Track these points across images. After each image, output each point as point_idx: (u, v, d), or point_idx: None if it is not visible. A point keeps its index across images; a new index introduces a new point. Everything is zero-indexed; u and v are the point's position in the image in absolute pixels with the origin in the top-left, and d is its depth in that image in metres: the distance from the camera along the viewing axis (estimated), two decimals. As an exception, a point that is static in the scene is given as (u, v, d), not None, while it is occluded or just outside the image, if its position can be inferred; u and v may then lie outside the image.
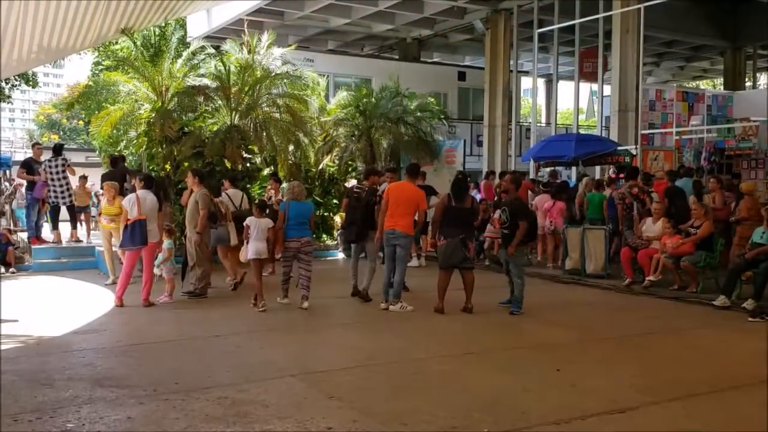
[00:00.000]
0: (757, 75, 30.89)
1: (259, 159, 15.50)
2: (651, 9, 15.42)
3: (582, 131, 20.52)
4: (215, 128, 14.56)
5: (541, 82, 28.51)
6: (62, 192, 13.59)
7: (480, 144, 22.99)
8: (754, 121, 13.23)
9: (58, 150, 13.94)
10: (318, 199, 16.28)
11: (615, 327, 8.34)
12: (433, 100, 19.08)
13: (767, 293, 9.11)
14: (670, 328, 8.28)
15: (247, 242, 9.06)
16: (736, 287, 9.32)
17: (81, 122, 39.11)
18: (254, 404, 5.00)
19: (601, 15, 17.32)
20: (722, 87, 27.79)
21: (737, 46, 25.42)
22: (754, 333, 7.86)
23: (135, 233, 8.94)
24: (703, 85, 36.17)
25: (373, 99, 17.34)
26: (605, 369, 6.31)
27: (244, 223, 9.24)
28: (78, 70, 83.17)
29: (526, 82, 28.09)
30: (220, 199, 10.64)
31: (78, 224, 14.97)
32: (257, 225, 9.06)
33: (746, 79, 27.11)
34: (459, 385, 5.64)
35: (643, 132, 14.55)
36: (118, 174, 12.61)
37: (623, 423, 4.81)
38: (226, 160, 14.17)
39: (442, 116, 19.01)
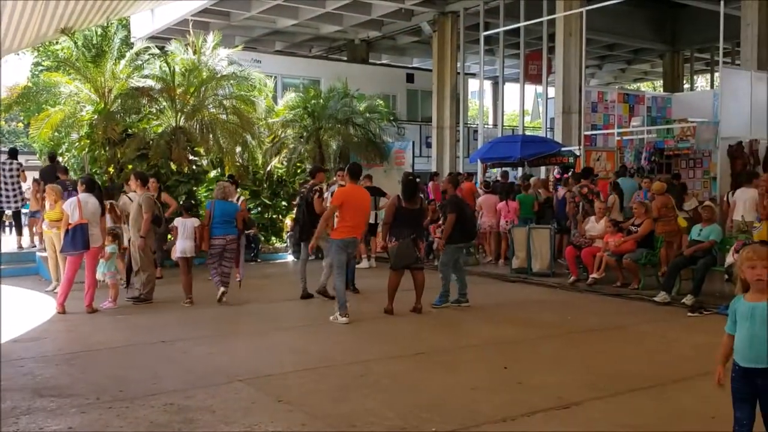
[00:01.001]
0: (695, 77, 31.92)
1: (206, 161, 15.30)
2: (593, 13, 15.79)
3: (528, 133, 20.88)
4: (160, 130, 14.31)
5: (487, 84, 28.95)
6: (14, 196, 13.27)
7: (429, 145, 23.18)
8: (692, 122, 13.67)
9: (13, 154, 13.72)
10: (266, 201, 16.16)
11: (561, 324, 8.49)
12: (381, 101, 19.14)
13: (705, 289, 9.45)
14: (613, 324, 8.48)
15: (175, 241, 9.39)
16: (675, 283, 9.61)
17: (20, 124, 37.92)
18: (201, 410, 4.93)
19: (544, 18, 17.67)
20: (662, 89, 28.64)
21: (676, 50, 26.26)
22: (694, 327, 8.12)
23: (76, 238, 8.70)
24: (644, 87, 37.18)
25: (322, 100, 17.30)
26: (551, 366, 6.43)
27: (173, 224, 9.46)
28: (16, 70, 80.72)
29: (473, 84, 28.40)
30: (113, 201, 10.39)
31: (22, 230, 14.51)
32: (184, 224, 9.45)
33: (684, 81, 28.02)
34: (408, 386, 5.66)
35: (586, 133, 14.88)
36: (51, 171, 12.54)
37: (568, 419, 4.90)
38: (171, 163, 13.94)
39: (391, 118, 19.08)
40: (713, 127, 12.62)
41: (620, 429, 4.66)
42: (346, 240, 8.43)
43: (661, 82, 29.92)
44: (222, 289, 9.35)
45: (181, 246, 9.39)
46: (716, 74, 21.52)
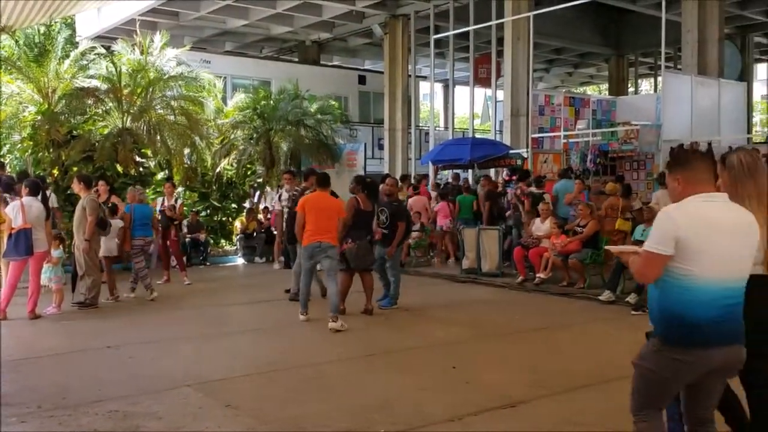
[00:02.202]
0: (639, 81, 32.77)
1: (153, 163, 15.06)
2: (540, 18, 16.09)
3: (478, 135, 21.13)
4: (106, 131, 14.03)
5: (438, 87, 29.16)
6: None
7: (381, 147, 23.23)
8: (635, 125, 14.05)
9: None
10: (215, 203, 15.98)
11: (509, 323, 8.63)
12: (334, 103, 19.12)
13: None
14: (559, 323, 8.65)
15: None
16: (620, 282, 9.86)
17: (-42, 124, 36.81)
18: (146, 417, 4.86)
19: (493, 22, 17.90)
20: (607, 92, 29.34)
21: (620, 54, 26.90)
22: (637, 325, 8.28)
23: (20, 243, 8.46)
24: (590, 90, 37.99)
25: (272, 101, 17.20)
26: (499, 365, 6.53)
27: None
28: (-46, 68, 77.82)
29: (425, 87, 28.60)
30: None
31: None
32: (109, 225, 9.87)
33: (629, 85, 28.72)
34: (357, 388, 5.68)
35: (534, 136, 15.16)
36: None
37: (515, 417, 4.99)
38: (118, 165, 13.67)
39: (343, 119, 19.08)
40: (656, 130, 12.99)
41: (566, 426, 4.76)
42: (308, 246, 8.35)
43: (607, 85, 30.64)
44: (154, 295, 9.91)
45: (105, 246, 9.92)
46: (659, 78, 22.11)
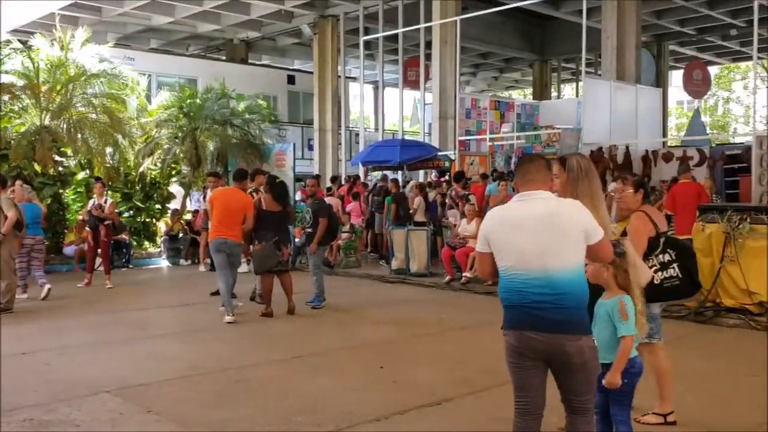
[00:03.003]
0: (562, 86, 33.75)
1: (74, 162, 14.55)
2: (467, 22, 16.39)
3: (407, 137, 21.30)
4: (23, 129, 13.45)
5: (368, 89, 29.24)
6: None
7: (311, 148, 23.13)
8: (557, 128, 14.48)
9: None
10: (139, 203, 15.55)
11: (436, 323, 8.74)
12: (262, 102, 18.90)
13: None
14: (484, 321, 8.78)
15: None
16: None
17: None
18: (64, 424, 4.70)
19: (422, 25, 18.10)
20: (531, 97, 30.10)
21: (544, 59, 27.68)
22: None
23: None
24: (515, 94, 38.90)
25: (198, 100, 16.85)
26: (426, 364, 6.60)
27: None
28: None
29: (354, 88, 28.67)
30: None
31: None
32: None
33: (552, 90, 29.56)
34: (284, 390, 5.64)
35: (461, 138, 15.42)
36: None
37: (440, 414, 5.07)
38: (35, 164, 13.14)
39: (272, 119, 18.87)
40: (576, 134, 13.43)
41: (489, 422, 4.84)
42: (213, 241, 8.56)
43: (531, 90, 31.44)
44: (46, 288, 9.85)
45: None
46: (581, 83, 22.86)
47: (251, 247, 8.84)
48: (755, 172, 11.12)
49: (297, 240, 12.33)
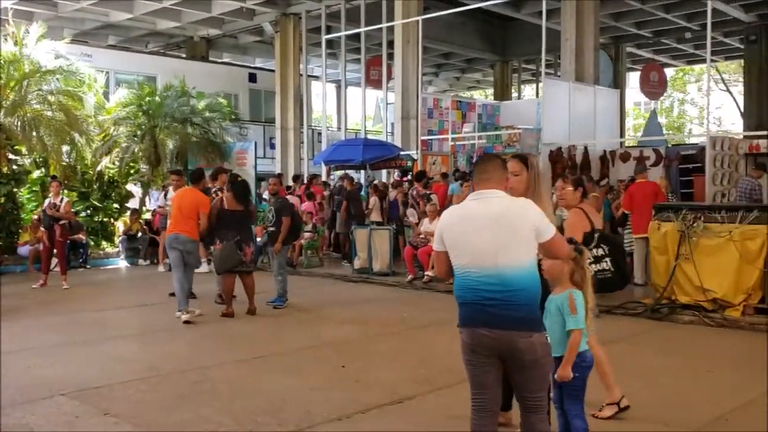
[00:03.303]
0: (523, 87, 34.14)
1: (29, 160, 14.22)
2: (429, 22, 16.48)
3: (370, 136, 21.33)
4: (-26, 126, 13.10)
5: (331, 87, 29.17)
6: None
7: (273, 147, 22.99)
8: (518, 128, 14.65)
9: None
10: (96, 203, 15.27)
11: (398, 321, 8.75)
12: (223, 100, 18.72)
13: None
14: (446, 319, 8.77)
15: None
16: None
17: None
18: (17, 428, 4.59)
19: (384, 25, 18.13)
20: (492, 97, 30.37)
21: (505, 60, 27.97)
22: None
23: None
24: (477, 95, 39.21)
25: (158, 98, 16.61)
26: (388, 362, 6.62)
27: None
28: None
29: (317, 87, 28.57)
30: None
31: None
32: None
33: (513, 90, 29.88)
34: (245, 391, 5.60)
35: (423, 138, 15.49)
36: None
37: (401, 412, 5.09)
38: (-13, 162, 12.82)
39: (233, 118, 18.70)
40: (536, 134, 13.59)
41: (449, 420, 4.88)
42: (167, 237, 8.76)
43: (492, 90, 31.73)
44: None
45: None
46: (540, 84, 23.17)
47: (212, 247, 8.77)
48: (709, 172, 11.40)
49: (258, 239, 12.24)
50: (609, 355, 6.81)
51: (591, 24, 15.90)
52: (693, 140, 21.60)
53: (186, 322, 8.21)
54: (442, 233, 3.45)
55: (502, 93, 28.00)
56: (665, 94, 32.05)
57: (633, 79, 30.79)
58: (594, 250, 4.88)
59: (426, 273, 11.14)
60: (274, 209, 9.38)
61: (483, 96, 38.22)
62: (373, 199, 13.45)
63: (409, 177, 15.63)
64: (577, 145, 13.93)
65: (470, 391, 3.45)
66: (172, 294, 9.25)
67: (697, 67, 36.53)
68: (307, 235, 13.37)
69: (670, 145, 16.33)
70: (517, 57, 28.12)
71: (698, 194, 12.45)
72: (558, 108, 13.96)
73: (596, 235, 4.92)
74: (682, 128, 41.50)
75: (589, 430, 3.97)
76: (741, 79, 29.39)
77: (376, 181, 15.23)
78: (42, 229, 11.34)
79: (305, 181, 17.00)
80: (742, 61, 26.18)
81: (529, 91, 36.69)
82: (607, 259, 4.92)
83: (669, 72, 32.46)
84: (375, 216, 13.29)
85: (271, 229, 9.33)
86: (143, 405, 5.20)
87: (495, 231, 3.28)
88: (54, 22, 19.94)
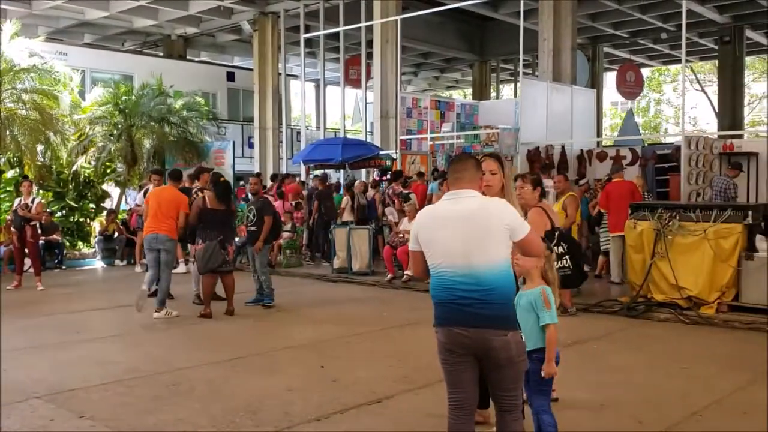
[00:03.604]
0: (501, 86, 34.28)
1: (2, 160, 14.02)
2: (408, 22, 16.48)
3: (350, 136, 21.30)
4: (-55, 125, 12.89)
5: (310, 87, 29.10)
6: None
7: (251, 146, 22.89)
8: (496, 128, 14.69)
9: None
10: (72, 203, 15.09)
11: (377, 321, 8.76)
12: (201, 99, 18.59)
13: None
14: (425, 318, 8.73)
15: None
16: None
17: None
18: (-10, 433, 4.52)
19: (362, 24, 18.12)
20: (471, 97, 30.46)
21: (484, 60, 28.05)
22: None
23: None
24: (456, 94, 39.32)
25: (134, 97, 16.46)
26: (367, 362, 6.62)
27: None
28: None
29: (296, 86, 28.48)
30: None
31: None
32: None
33: (491, 90, 29.99)
34: (223, 392, 5.57)
35: (402, 137, 15.50)
36: None
37: (380, 412, 5.09)
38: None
39: (211, 117, 18.58)
40: (514, 133, 13.63)
41: (428, 419, 4.89)
42: (145, 237, 8.87)
43: (471, 90, 31.83)
44: None
45: None
46: (518, 84, 23.30)
47: (194, 247, 8.73)
48: (684, 171, 11.53)
49: (237, 239, 12.18)
50: (586, 353, 6.93)
51: (568, 24, 15.99)
52: (669, 140, 21.83)
53: (158, 318, 8.45)
54: (417, 233, 3.48)
55: (481, 93, 28.10)
56: (641, 94, 32.37)
57: (610, 79, 31.05)
58: (555, 248, 5.04)
59: (405, 272, 11.16)
60: (255, 209, 9.34)
61: (462, 96, 38.34)
62: (346, 199, 13.56)
63: (389, 176, 15.64)
64: (555, 144, 14.02)
65: (447, 390, 3.47)
66: (151, 294, 9.17)
67: (672, 68, 37.00)
68: (285, 234, 13.32)
69: (646, 145, 16.49)
70: (495, 57, 28.22)
71: (674, 193, 12.58)
72: (536, 108, 14.03)
73: (556, 234, 5.07)
74: (658, 128, 41.97)
75: (557, 425, 3.99)
76: (715, 79, 29.76)
77: (357, 181, 15.21)
78: (13, 229, 11.18)
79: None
80: (716, 61, 26.49)
81: (507, 90, 36.87)
82: (567, 257, 5.06)
83: (645, 72, 32.79)
84: (347, 216, 13.40)
85: (252, 228, 9.29)
86: (120, 407, 5.15)
87: (468, 230, 3.30)
88: (28, 20, 19.66)
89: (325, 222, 13.60)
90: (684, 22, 12.58)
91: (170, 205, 8.69)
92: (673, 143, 15.10)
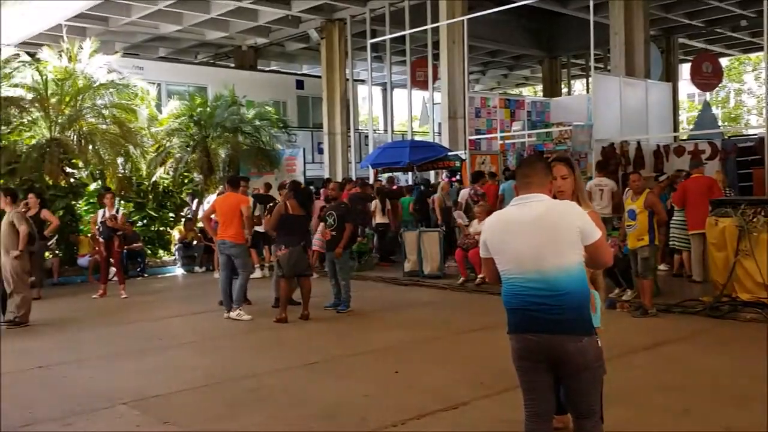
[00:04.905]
0: (572, 82, 33.57)
1: (85, 173, 14.64)
2: (475, 21, 16.31)
3: (417, 138, 21.26)
4: (33, 142, 13.54)
5: (377, 90, 29.25)
6: None
7: (321, 152, 23.15)
8: (568, 125, 14.37)
9: None
10: (152, 212, 15.63)
11: (450, 325, 8.70)
12: (271, 108, 18.95)
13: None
14: (499, 322, 8.69)
15: None
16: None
17: None
18: (81, 438, 4.72)
19: (429, 26, 18.07)
20: (541, 94, 29.94)
21: (553, 56, 27.54)
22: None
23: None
24: (526, 92, 38.72)
25: (209, 108, 16.93)
26: (441, 367, 6.57)
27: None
28: None
29: (363, 90, 28.68)
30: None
31: None
32: None
33: (562, 86, 29.40)
34: (299, 397, 5.64)
35: (471, 137, 15.37)
36: None
37: (456, 418, 5.04)
38: (46, 177, 13.23)
39: (281, 125, 18.93)
40: (588, 130, 13.29)
41: (503, 425, 4.82)
42: (218, 243, 9.28)
43: (541, 87, 31.29)
44: None
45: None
46: (590, 79, 22.77)
47: (277, 252, 8.92)
48: (769, 165, 11.01)
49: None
50: (668, 355, 6.68)
51: (640, 17, 15.52)
52: (751, 131, 20.87)
53: (228, 318, 8.86)
54: (485, 239, 3.45)
55: (552, 89, 27.57)
56: (719, 85, 31.08)
57: (685, 70, 29.97)
58: None
59: (478, 275, 11.04)
60: (336, 214, 9.34)
61: (532, 93, 37.74)
62: (375, 202, 13.60)
63: (458, 177, 15.52)
64: (630, 140, 13.62)
65: (523, 396, 3.41)
66: (221, 303, 9.42)
67: (754, 56, 35.35)
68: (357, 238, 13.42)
69: (726, 137, 15.81)
70: (565, 52, 27.66)
71: (758, 188, 12.02)
72: (609, 103, 13.66)
73: None
74: (739, 119, 40.22)
75: None
76: (801, 66, 28.26)
77: (442, 182, 15.18)
78: (101, 239, 11.63)
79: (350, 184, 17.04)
80: (801, 47, 25.15)
81: (579, 86, 36.06)
82: None
83: (723, 62, 31.48)
84: (378, 218, 13.67)
85: (334, 233, 9.32)
86: (201, 413, 5.29)
87: (537, 235, 3.23)
88: (106, 37, 20.47)
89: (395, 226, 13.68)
90: (766, 7, 11.99)
91: (231, 209, 9.13)
92: (755, 135, 14.43)
